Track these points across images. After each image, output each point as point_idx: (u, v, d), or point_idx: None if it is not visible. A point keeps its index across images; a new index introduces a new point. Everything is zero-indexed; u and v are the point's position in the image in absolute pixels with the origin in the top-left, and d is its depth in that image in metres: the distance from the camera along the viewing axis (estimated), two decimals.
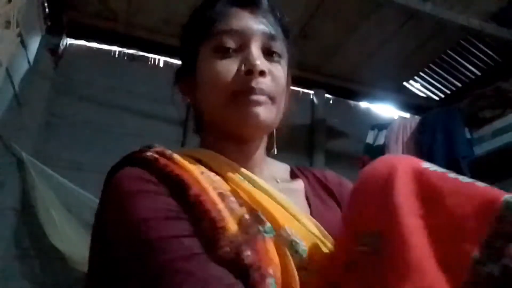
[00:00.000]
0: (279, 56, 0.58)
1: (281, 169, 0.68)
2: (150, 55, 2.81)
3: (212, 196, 0.47)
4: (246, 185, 0.53)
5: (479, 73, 2.98)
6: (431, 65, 3.06)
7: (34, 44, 2.22)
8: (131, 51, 2.76)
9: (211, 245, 0.43)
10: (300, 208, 0.55)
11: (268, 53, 0.57)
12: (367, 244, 0.42)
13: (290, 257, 0.45)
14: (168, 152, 0.53)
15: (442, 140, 2.57)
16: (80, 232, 1.95)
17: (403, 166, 0.44)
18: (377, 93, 3.21)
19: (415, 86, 3.32)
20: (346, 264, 0.44)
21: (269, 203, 0.51)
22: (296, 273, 0.44)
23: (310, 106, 3.04)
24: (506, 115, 2.49)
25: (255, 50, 0.55)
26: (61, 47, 2.47)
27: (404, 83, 3.28)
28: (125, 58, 2.75)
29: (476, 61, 2.93)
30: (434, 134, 2.61)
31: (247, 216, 0.47)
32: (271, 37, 0.57)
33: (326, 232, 0.52)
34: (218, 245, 0.43)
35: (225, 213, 0.46)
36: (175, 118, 2.69)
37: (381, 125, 2.92)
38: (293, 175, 0.67)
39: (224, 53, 0.56)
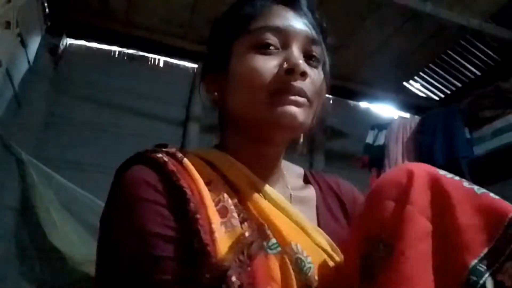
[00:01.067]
0: (318, 61, 0.56)
1: (295, 173, 0.66)
2: (150, 55, 2.81)
3: (210, 213, 0.46)
4: (256, 196, 0.51)
5: (479, 73, 2.98)
6: (431, 65, 3.07)
7: (34, 44, 2.22)
8: (131, 51, 2.77)
9: (198, 266, 0.43)
10: (309, 219, 0.54)
11: (308, 57, 0.55)
12: (378, 250, 0.42)
13: (292, 276, 0.44)
14: (180, 155, 0.51)
15: (442, 140, 2.57)
16: (80, 232, 1.95)
17: (420, 173, 0.44)
18: (377, 93, 3.21)
19: (415, 86, 3.32)
20: (361, 272, 0.43)
21: (277, 217, 0.49)
22: None
23: None
24: (506, 115, 2.49)
25: (296, 50, 0.53)
26: (61, 47, 2.47)
27: (404, 83, 3.28)
28: (125, 58, 2.75)
29: (476, 61, 2.94)
30: (434, 134, 2.61)
31: (247, 234, 0.46)
32: (312, 40, 0.55)
33: (335, 245, 0.52)
34: (202, 271, 0.42)
35: (220, 234, 0.44)
36: (175, 118, 2.70)
37: (381, 125, 2.92)
38: (306, 180, 0.65)
39: (265, 50, 0.53)
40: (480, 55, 2.88)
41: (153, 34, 2.70)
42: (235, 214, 0.47)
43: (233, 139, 0.59)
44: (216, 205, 0.48)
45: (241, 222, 0.47)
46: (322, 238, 0.51)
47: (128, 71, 2.68)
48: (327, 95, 0.63)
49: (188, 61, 2.89)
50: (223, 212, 0.47)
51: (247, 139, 0.57)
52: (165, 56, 2.84)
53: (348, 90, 3.18)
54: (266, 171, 0.57)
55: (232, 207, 0.48)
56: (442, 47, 2.86)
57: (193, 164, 0.51)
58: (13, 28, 1.60)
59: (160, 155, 0.50)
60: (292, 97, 0.51)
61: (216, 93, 0.59)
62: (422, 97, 3.37)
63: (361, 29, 2.58)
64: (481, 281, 0.36)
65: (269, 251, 0.46)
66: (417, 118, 2.90)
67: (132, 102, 2.59)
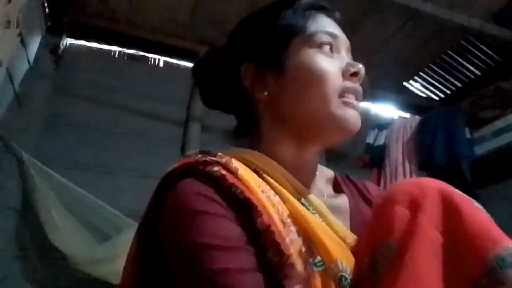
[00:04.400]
0: None
1: (325, 177, 0.65)
2: (150, 55, 2.82)
3: (278, 225, 0.43)
4: (303, 209, 0.49)
5: (479, 73, 2.98)
6: (431, 65, 3.07)
7: (34, 44, 2.22)
8: (131, 51, 2.77)
9: (278, 279, 0.41)
10: (346, 227, 0.53)
11: None
12: (387, 250, 0.42)
13: None
14: (233, 165, 0.48)
15: (443, 140, 2.57)
16: (81, 232, 1.95)
17: (433, 187, 0.45)
18: (377, 93, 3.21)
19: (415, 86, 3.32)
20: (368, 269, 0.44)
21: (323, 232, 0.47)
22: None
23: None
24: (506, 115, 2.49)
25: (349, 56, 0.58)
26: (61, 47, 2.47)
27: (404, 83, 3.28)
28: (125, 58, 2.75)
29: (476, 61, 2.94)
30: (434, 134, 2.61)
31: (303, 249, 0.44)
32: (350, 49, 0.59)
33: None
34: (289, 282, 0.40)
35: (291, 247, 0.43)
36: (175, 118, 2.70)
37: (381, 125, 2.92)
38: (336, 184, 0.64)
39: (327, 52, 0.55)
40: (480, 55, 2.88)
41: (153, 34, 2.70)
42: (293, 228, 0.45)
43: (274, 142, 0.57)
44: (277, 216, 0.45)
45: (298, 235, 0.45)
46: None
47: (128, 71, 2.68)
48: None
49: (188, 61, 2.89)
50: (283, 224, 0.45)
51: (290, 142, 0.56)
52: (165, 56, 2.84)
53: None
54: (305, 178, 0.56)
55: (289, 220, 0.46)
56: (443, 47, 2.86)
57: (244, 174, 0.48)
58: (14, 28, 1.60)
59: (216, 168, 0.47)
60: (355, 102, 0.53)
61: (266, 93, 0.56)
62: (422, 97, 3.37)
63: (361, 29, 2.58)
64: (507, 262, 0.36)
65: (315, 268, 0.44)
66: (417, 118, 2.90)
67: (132, 102, 2.59)
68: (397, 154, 2.74)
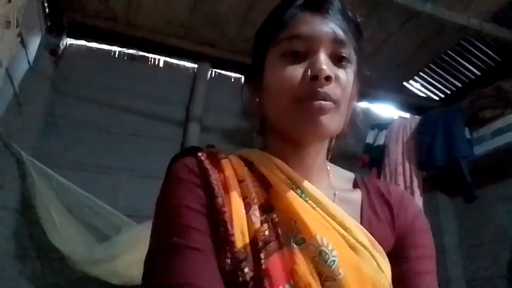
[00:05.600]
0: (348, 61, 0.58)
1: (344, 178, 0.67)
2: (150, 55, 2.82)
3: (234, 208, 0.51)
4: (289, 193, 0.54)
5: (479, 73, 2.98)
6: (431, 65, 3.06)
7: (34, 44, 2.22)
8: (131, 51, 2.77)
9: (219, 253, 0.48)
10: (352, 217, 0.56)
11: (337, 59, 0.57)
12: None
13: (314, 268, 0.48)
14: (221, 155, 0.58)
15: (442, 140, 2.57)
16: (80, 232, 1.95)
17: None
18: (377, 93, 3.21)
19: (415, 86, 3.32)
20: None
21: (307, 213, 0.52)
22: (319, 283, 0.47)
23: None
24: (506, 115, 2.49)
25: (323, 55, 0.55)
26: (61, 47, 2.47)
27: (404, 83, 3.28)
28: (125, 58, 2.75)
29: (476, 61, 2.93)
30: (434, 134, 2.61)
31: (266, 233, 0.50)
32: (340, 42, 0.56)
33: (376, 244, 0.53)
34: (223, 255, 0.47)
35: (238, 229, 0.49)
36: (175, 118, 2.70)
37: (381, 125, 2.92)
38: (355, 185, 0.66)
39: (292, 58, 0.56)
40: (480, 55, 2.88)
41: (153, 34, 2.70)
42: (257, 213, 0.51)
43: (273, 141, 0.63)
44: (243, 201, 0.52)
45: (262, 222, 0.51)
46: (363, 235, 0.53)
47: (128, 71, 2.68)
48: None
49: (188, 61, 2.89)
50: (247, 208, 0.51)
51: (284, 140, 0.60)
52: (165, 56, 2.84)
53: None
54: (305, 171, 0.60)
55: (257, 206, 0.52)
56: (442, 47, 2.86)
57: (232, 164, 0.57)
58: (13, 28, 1.60)
59: (200, 153, 0.56)
60: (317, 103, 0.53)
61: (257, 99, 0.63)
62: (422, 97, 3.37)
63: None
64: None
65: (296, 246, 0.49)
66: (417, 118, 2.90)
67: (132, 102, 2.59)
68: (396, 154, 2.74)
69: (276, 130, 0.61)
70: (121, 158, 2.43)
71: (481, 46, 2.82)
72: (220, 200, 0.51)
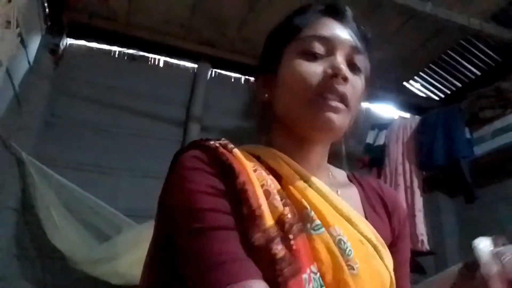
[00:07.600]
0: (360, 70, 0.60)
1: (340, 175, 0.70)
2: (150, 55, 2.81)
3: (256, 190, 0.50)
4: (300, 183, 0.55)
5: (479, 73, 2.98)
6: (431, 65, 3.06)
7: (34, 44, 2.21)
8: (131, 51, 2.77)
9: (246, 230, 0.47)
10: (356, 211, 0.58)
11: (351, 65, 0.59)
12: None
13: (339, 253, 0.49)
14: (231, 146, 0.57)
15: (442, 140, 2.57)
16: (80, 232, 1.95)
17: None
18: (377, 93, 3.20)
19: (415, 86, 3.32)
20: None
21: (321, 203, 0.54)
22: (346, 268, 0.48)
23: None
24: (506, 115, 2.49)
25: (340, 57, 0.58)
26: (61, 47, 2.47)
27: (404, 83, 3.28)
28: (125, 58, 2.75)
29: (476, 61, 2.93)
30: (434, 134, 2.61)
31: (289, 216, 0.49)
32: (356, 49, 0.60)
33: (379, 237, 0.56)
34: (253, 231, 0.46)
35: (265, 207, 0.49)
36: (175, 118, 2.70)
37: (381, 125, 2.92)
38: (350, 182, 0.69)
39: (311, 56, 0.58)
40: (480, 55, 2.88)
41: (153, 34, 2.70)
42: (277, 197, 0.51)
43: (279, 137, 0.63)
44: (261, 187, 0.52)
45: (284, 205, 0.51)
46: (368, 230, 0.55)
47: (128, 71, 2.68)
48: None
49: (188, 61, 2.89)
50: (266, 194, 0.51)
51: (291, 137, 0.61)
52: (165, 56, 2.84)
53: None
54: (310, 168, 0.60)
55: (275, 191, 0.52)
56: (442, 47, 2.86)
57: (238, 153, 0.56)
58: (13, 28, 1.60)
59: (212, 142, 0.56)
60: (333, 103, 0.55)
61: (266, 95, 0.64)
62: (422, 97, 3.37)
63: None
64: None
65: (313, 232, 0.50)
66: (417, 118, 2.90)
67: (132, 102, 2.59)
68: (397, 154, 2.74)
69: (284, 125, 0.62)
70: (121, 158, 2.43)
71: (481, 46, 2.81)
72: (241, 179, 0.50)
